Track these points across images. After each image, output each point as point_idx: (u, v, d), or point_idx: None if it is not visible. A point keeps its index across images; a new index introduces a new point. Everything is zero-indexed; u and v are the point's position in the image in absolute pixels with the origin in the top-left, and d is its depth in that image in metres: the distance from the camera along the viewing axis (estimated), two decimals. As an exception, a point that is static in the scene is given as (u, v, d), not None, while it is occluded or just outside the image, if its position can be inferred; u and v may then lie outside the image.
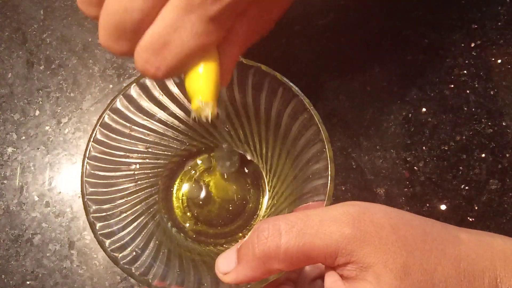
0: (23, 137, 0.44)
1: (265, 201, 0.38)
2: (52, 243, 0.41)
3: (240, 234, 0.37)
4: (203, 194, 0.39)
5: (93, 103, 0.44)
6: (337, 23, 0.45)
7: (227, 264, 0.24)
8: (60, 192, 0.42)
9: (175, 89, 0.33)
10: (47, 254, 0.40)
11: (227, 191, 0.39)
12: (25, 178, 0.42)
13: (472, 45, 0.44)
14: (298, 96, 0.29)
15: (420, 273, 0.21)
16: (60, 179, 0.42)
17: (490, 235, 0.25)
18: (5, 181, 0.42)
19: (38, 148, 0.43)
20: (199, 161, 0.39)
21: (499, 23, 0.44)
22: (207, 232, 0.37)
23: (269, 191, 0.38)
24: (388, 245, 0.22)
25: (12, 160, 0.43)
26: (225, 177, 0.39)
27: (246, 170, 0.39)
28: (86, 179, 0.29)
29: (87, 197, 0.29)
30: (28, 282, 0.40)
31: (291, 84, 0.30)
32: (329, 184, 0.27)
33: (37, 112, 0.44)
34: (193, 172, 0.39)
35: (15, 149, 0.43)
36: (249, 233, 0.24)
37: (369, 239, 0.22)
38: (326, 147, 0.28)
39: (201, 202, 0.38)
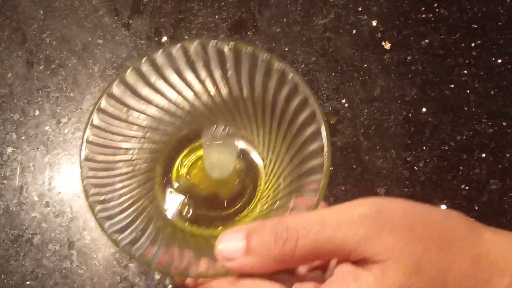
0: (23, 137, 0.43)
1: (262, 185, 0.38)
2: (52, 243, 0.41)
3: (237, 218, 0.37)
4: (199, 180, 0.39)
5: (93, 103, 0.44)
6: (337, 23, 0.45)
7: (231, 250, 0.24)
8: (60, 192, 0.42)
9: (173, 76, 0.33)
10: (47, 254, 0.40)
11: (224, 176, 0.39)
12: (24, 178, 0.42)
13: (472, 45, 0.44)
14: (294, 77, 0.29)
15: (434, 270, 0.21)
16: (60, 179, 0.42)
17: None
18: (4, 181, 0.42)
19: (37, 148, 0.43)
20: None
21: (499, 23, 0.44)
22: (205, 216, 0.37)
23: (265, 175, 0.38)
24: (402, 242, 0.22)
25: (12, 160, 0.43)
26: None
27: (242, 157, 0.39)
28: (85, 162, 0.29)
29: (86, 180, 0.29)
30: (28, 282, 0.40)
31: (286, 65, 0.30)
32: (325, 163, 0.27)
33: (37, 112, 0.44)
34: (191, 157, 0.39)
35: (14, 149, 0.43)
36: (263, 222, 0.24)
37: (383, 238, 0.22)
38: (322, 126, 0.28)
39: (197, 188, 0.38)
